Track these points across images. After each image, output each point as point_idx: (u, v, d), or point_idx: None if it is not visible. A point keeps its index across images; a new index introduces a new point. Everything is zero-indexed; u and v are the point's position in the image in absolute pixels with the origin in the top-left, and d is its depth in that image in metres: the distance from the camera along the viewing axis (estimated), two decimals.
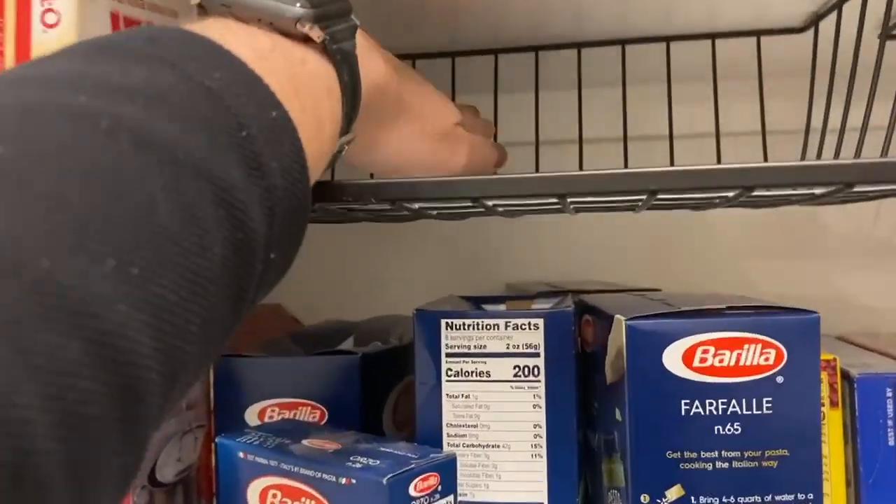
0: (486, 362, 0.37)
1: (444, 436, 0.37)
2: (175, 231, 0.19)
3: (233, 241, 0.21)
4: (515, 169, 0.35)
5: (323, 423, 0.41)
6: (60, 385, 0.15)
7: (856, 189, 0.30)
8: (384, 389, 0.44)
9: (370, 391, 0.42)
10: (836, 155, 0.44)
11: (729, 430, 0.32)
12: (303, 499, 0.32)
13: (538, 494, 0.36)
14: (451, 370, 0.37)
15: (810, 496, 0.32)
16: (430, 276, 0.64)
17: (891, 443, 0.39)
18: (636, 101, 0.51)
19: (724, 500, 0.32)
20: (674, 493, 0.32)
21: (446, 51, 0.52)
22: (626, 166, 0.50)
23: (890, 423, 0.39)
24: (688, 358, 0.32)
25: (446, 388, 0.37)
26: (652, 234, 0.62)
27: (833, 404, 0.40)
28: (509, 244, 0.64)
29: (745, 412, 0.32)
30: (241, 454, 0.35)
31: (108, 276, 0.17)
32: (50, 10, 0.31)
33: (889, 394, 0.39)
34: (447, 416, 0.37)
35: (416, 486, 0.31)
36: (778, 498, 0.32)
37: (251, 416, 0.41)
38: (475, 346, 0.37)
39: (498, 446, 0.37)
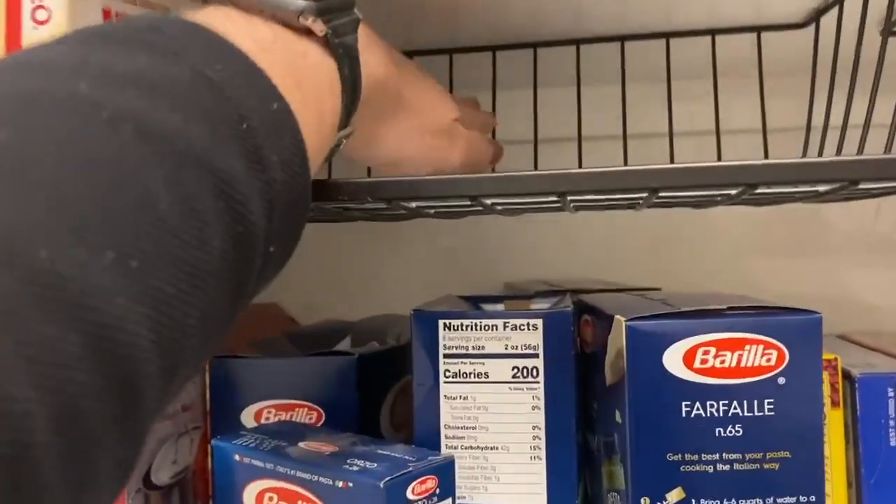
0: (484, 363, 0.36)
1: (442, 438, 0.37)
2: (175, 223, 0.19)
3: (232, 235, 0.21)
4: (514, 167, 0.35)
5: (320, 424, 0.40)
6: (59, 378, 0.15)
7: (860, 186, 0.30)
8: (381, 390, 0.43)
9: (367, 392, 0.41)
10: (838, 152, 0.43)
11: (730, 431, 0.32)
12: (299, 502, 0.32)
13: (537, 497, 0.36)
14: (449, 371, 0.37)
15: (812, 498, 0.32)
16: (428, 275, 0.64)
17: (892, 443, 0.39)
18: (636, 98, 0.51)
19: (726, 502, 0.32)
20: (674, 495, 0.32)
21: (444, 47, 0.52)
22: (625, 164, 0.49)
23: (892, 422, 0.39)
24: (689, 359, 0.32)
25: (444, 389, 0.37)
26: (652, 232, 0.61)
27: (834, 404, 0.40)
28: (507, 243, 0.63)
29: (746, 414, 0.32)
30: (237, 457, 0.34)
31: (108, 269, 0.17)
32: (41, 6, 0.31)
33: (891, 393, 0.39)
34: (445, 417, 0.37)
35: (413, 489, 0.31)
36: (779, 500, 0.32)
37: (247, 417, 0.41)
38: (473, 347, 0.36)
39: (496, 448, 0.36)
